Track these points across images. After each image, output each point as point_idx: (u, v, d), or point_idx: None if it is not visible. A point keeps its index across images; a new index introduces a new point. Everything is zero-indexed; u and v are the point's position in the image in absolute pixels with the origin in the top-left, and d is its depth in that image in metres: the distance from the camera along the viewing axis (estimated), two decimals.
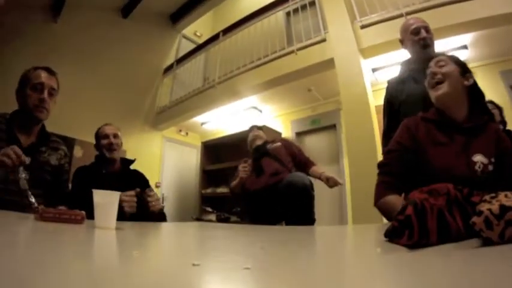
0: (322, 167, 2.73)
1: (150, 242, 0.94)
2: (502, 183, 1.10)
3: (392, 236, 0.61)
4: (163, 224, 1.70)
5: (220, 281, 0.43)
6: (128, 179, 2.11)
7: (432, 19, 3.94)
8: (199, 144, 6.29)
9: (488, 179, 1.14)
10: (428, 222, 0.55)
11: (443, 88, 1.28)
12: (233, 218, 4.75)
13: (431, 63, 1.37)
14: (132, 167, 2.29)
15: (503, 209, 0.45)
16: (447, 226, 0.56)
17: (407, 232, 0.55)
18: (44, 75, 1.67)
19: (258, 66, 4.79)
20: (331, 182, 2.42)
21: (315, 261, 0.58)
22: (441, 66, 1.32)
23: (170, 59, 6.69)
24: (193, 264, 0.47)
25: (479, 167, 1.16)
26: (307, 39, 4.44)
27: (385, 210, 1.17)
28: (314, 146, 5.08)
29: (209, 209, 5.52)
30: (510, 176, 1.16)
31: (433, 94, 1.32)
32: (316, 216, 2.37)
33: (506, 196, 0.52)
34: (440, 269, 0.43)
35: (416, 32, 1.91)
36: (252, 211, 2.68)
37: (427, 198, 0.61)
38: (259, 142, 2.91)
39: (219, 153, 5.85)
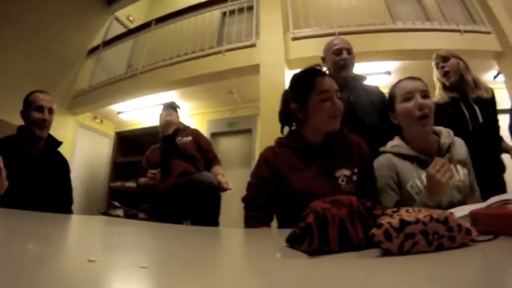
0: (220, 169, 2.66)
1: (48, 234, 0.86)
2: (364, 191, 1.18)
3: (293, 242, 0.61)
4: (67, 216, 1.66)
5: (113, 279, 0.41)
6: (51, 163, 1.89)
7: (362, 43, 4.02)
8: (112, 134, 5.79)
9: (355, 188, 1.18)
10: (329, 231, 0.56)
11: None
12: (141, 215, 4.52)
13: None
14: None
15: (403, 223, 0.46)
16: (348, 236, 0.57)
17: (308, 239, 0.56)
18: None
19: (184, 61, 4.52)
20: (221, 186, 2.41)
21: (213, 262, 0.57)
22: None
23: (97, 41, 6.13)
24: (89, 261, 0.44)
25: (342, 181, 1.19)
26: (237, 41, 4.30)
27: None
28: (228, 148, 4.98)
29: (117, 204, 5.15)
30: (369, 183, 1.24)
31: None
32: (226, 220, 2.39)
33: (407, 211, 0.54)
34: (337, 274, 0.43)
35: (338, 52, 1.92)
36: (159, 209, 2.58)
37: (330, 208, 0.61)
38: (170, 130, 2.71)
39: (132, 146, 5.40)
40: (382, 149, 1.35)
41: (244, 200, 1.30)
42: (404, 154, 1.28)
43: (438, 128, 1.35)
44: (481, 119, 1.80)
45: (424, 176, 1.18)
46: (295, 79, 1.33)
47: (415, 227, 0.47)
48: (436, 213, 0.49)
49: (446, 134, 1.33)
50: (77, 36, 5.87)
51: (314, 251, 0.55)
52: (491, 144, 1.82)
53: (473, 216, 0.61)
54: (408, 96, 1.27)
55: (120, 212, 4.92)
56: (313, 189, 1.13)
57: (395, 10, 4.69)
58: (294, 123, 1.37)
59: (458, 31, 4.44)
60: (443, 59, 1.97)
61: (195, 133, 2.84)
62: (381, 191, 1.26)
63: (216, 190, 2.32)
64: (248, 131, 4.98)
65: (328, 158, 1.23)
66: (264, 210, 1.24)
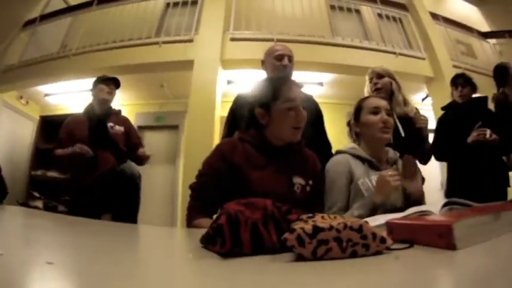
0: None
1: None
2: (316, 203, 1.24)
3: (206, 242, 0.60)
4: None
5: (13, 274, 0.39)
6: None
7: (300, 52, 4.03)
8: (37, 118, 5.40)
9: (306, 199, 1.21)
10: (241, 234, 0.55)
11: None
12: (61, 208, 4.25)
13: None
14: None
15: (316, 229, 0.47)
16: (261, 239, 0.56)
17: (220, 240, 0.54)
18: None
19: (120, 47, 4.31)
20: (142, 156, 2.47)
21: (121, 261, 0.55)
22: None
23: (35, 13, 5.72)
24: None
25: (297, 188, 1.22)
26: (175, 35, 4.17)
27: None
28: (154, 143, 4.80)
29: (37, 194, 4.80)
30: (320, 197, 1.31)
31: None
32: (147, 215, 2.41)
33: (323, 217, 0.54)
34: (244, 278, 0.43)
35: (280, 58, 1.91)
36: (79, 202, 2.40)
37: (243, 210, 0.60)
38: (99, 110, 2.49)
39: (57, 132, 5.07)
40: (340, 149, 1.47)
41: (192, 187, 1.25)
42: (358, 155, 1.40)
43: (386, 148, 1.49)
44: (402, 134, 1.87)
45: (373, 176, 1.33)
46: (263, 84, 1.32)
47: (328, 233, 0.47)
48: (351, 221, 0.50)
49: (392, 152, 1.49)
50: (15, 5, 5.44)
51: (226, 253, 0.54)
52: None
53: (389, 225, 0.62)
54: (375, 111, 1.40)
55: (39, 204, 4.64)
56: (272, 189, 1.11)
57: (336, 25, 4.79)
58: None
59: (394, 53, 4.61)
60: (378, 75, 2.01)
61: (128, 124, 2.63)
62: (332, 184, 1.35)
63: (137, 180, 2.28)
64: (175, 127, 4.87)
65: (287, 163, 1.24)
66: (209, 202, 1.19)
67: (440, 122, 2.52)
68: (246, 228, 0.56)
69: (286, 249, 0.49)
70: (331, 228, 0.47)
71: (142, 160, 2.50)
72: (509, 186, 2.36)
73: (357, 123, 1.48)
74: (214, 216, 1.01)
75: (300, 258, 0.47)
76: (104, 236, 0.93)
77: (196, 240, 0.64)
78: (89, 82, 4.41)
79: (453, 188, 2.35)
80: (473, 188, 2.07)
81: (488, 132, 2.13)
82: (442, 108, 2.56)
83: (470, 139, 2.18)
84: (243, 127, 1.39)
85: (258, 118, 1.25)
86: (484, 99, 2.45)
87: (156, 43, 4.13)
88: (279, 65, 1.90)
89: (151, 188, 2.37)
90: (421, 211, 0.78)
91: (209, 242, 0.58)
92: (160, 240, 0.98)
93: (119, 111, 2.66)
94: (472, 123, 2.21)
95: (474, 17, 6.91)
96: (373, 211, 1.19)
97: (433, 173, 4.51)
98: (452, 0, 6.78)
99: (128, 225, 1.46)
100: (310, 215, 0.57)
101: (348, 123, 1.58)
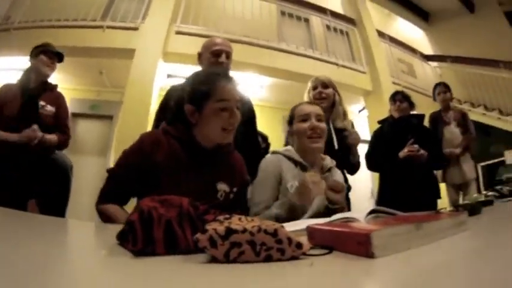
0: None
1: None
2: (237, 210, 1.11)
3: (121, 239, 0.57)
4: None
5: None
6: None
7: (244, 53, 4.15)
8: None
9: (228, 206, 1.12)
10: (154, 232, 0.53)
11: None
12: None
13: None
14: None
15: (229, 231, 0.46)
16: (175, 238, 0.54)
17: (132, 238, 0.53)
18: None
19: (63, 27, 4.18)
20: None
21: (29, 254, 0.51)
22: None
23: None
24: None
25: (221, 196, 1.16)
26: (121, 21, 4.11)
27: (102, 217, 1.12)
28: (86, 132, 4.67)
29: None
30: (243, 204, 1.27)
31: None
32: (74, 207, 2.32)
33: (239, 219, 0.53)
34: (153, 280, 0.40)
35: (217, 54, 1.80)
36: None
37: (157, 207, 0.58)
38: (34, 83, 2.30)
39: None
40: (274, 150, 1.46)
41: (109, 172, 1.18)
42: (291, 157, 1.39)
43: (324, 156, 1.48)
44: (336, 146, 1.91)
45: None
46: (196, 78, 1.20)
47: (241, 235, 0.46)
48: (266, 224, 0.49)
49: (329, 159, 1.47)
50: None
51: (138, 252, 0.52)
52: (342, 167, 1.92)
53: (310, 230, 0.62)
54: (305, 118, 1.40)
55: None
56: (193, 194, 0.94)
57: (283, 31, 4.95)
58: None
59: (336, 64, 4.83)
60: (324, 85, 2.01)
61: (59, 102, 2.43)
62: (261, 182, 1.34)
63: (68, 171, 2.20)
64: (110, 118, 4.70)
65: (214, 167, 1.17)
66: (120, 192, 1.14)
67: (375, 135, 2.64)
68: (160, 227, 0.54)
69: (201, 250, 0.47)
70: (244, 230, 0.46)
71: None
72: (439, 198, 2.51)
73: (291, 131, 1.49)
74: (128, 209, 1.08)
75: (213, 260, 0.46)
76: (19, 228, 0.86)
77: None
78: (26, 60, 4.30)
79: (384, 199, 2.46)
80: (403, 199, 2.12)
81: (417, 148, 2.27)
82: (379, 122, 2.69)
83: (401, 154, 2.32)
84: (168, 119, 1.30)
85: (187, 115, 1.14)
86: (421, 116, 2.60)
87: (101, 27, 4.05)
88: (214, 61, 1.81)
89: (80, 178, 2.31)
90: (346, 218, 0.78)
91: (123, 239, 0.56)
92: (79, 236, 0.93)
93: (55, 87, 2.48)
94: (405, 139, 2.34)
95: (420, 39, 7.36)
96: (292, 212, 1.19)
97: (364, 181, 4.78)
98: (401, 21, 7.17)
99: (49, 218, 1.36)
100: (227, 216, 0.55)
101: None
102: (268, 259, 0.46)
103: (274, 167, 1.35)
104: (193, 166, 1.13)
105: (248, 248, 0.46)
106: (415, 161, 2.29)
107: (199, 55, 1.90)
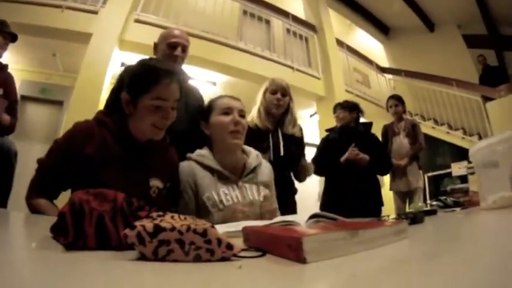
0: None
1: None
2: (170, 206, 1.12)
3: (54, 232, 0.54)
4: None
5: None
6: None
7: (201, 48, 4.25)
8: None
9: (161, 202, 1.12)
10: (85, 226, 0.53)
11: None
12: None
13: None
14: None
15: (158, 228, 0.46)
16: (107, 233, 0.54)
17: (63, 231, 0.52)
18: None
19: (19, 2, 4.09)
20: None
21: None
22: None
23: None
24: None
25: (153, 192, 1.12)
26: (82, 2, 4.07)
27: (33, 211, 1.07)
28: (35, 117, 4.54)
29: None
30: (175, 200, 1.21)
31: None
32: (16, 195, 2.05)
33: (172, 217, 0.52)
34: (75, 276, 0.38)
35: (173, 46, 1.76)
36: None
37: (90, 200, 0.57)
38: None
39: None
40: (188, 155, 1.32)
41: (39, 163, 1.13)
42: (206, 165, 1.27)
43: (248, 148, 1.38)
44: (282, 153, 1.93)
45: (222, 189, 1.23)
46: (141, 68, 1.13)
47: (170, 234, 0.46)
48: (196, 223, 0.49)
49: (254, 156, 1.37)
50: None
51: (69, 245, 0.51)
52: (288, 173, 2.02)
53: (245, 231, 0.62)
54: (227, 111, 1.30)
55: None
56: (124, 191, 0.81)
57: (244, 31, 5.10)
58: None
59: (292, 68, 5.05)
60: (284, 91, 1.99)
61: (8, 82, 2.41)
62: (182, 191, 1.25)
63: (12, 158, 2.15)
64: (60, 103, 4.59)
65: (147, 163, 1.14)
66: (50, 184, 1.10)
67: (322, 140, 2.78)
68: (91, 221, 0.53)
69: (132, 247, 0.47)
70: (173, 229, 0.46)
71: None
72: (382, 205, 2.58)
73: (206, 125, 1.35)
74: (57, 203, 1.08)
75: (142, 257, 0.46)
76: None
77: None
78: None
79: (327, 203, 2.54)
80: (346, 204, 2.25)
81: (356, 151, 2.41)
82: (326, 130, 2.83)
83: (342, 158, 2.43)
84: (106, 104, 1.27)
85: (123, 104, 1.11)
86: (368, 124, 2.71)
87: (60, 7, 3.97)
88: (169, 54, 1.77)
89: (24, 164, 2.27)
90: (287, 221, 0.78)
91: (56, 232, 0.55)
92: (13, 227, 0.90)
93: (5, 66, 2.44)
94: (350, 145, 2.46)
95: (377, 51, 7.73)
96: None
97: (311, 183, 5.04)
98: (361, 33, 7.50)
99: None
100: (161, 213, 0.55)
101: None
102: (198, 259, 0.46)
103: (187, 175, 1.25)
104: (125, 160, 1.10)
105: (177, 247, 0.46)
106: (357, 165, 2.39)
107: (155, 45, 1.87)
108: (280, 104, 1.98)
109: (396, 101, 3.41)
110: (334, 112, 2.74)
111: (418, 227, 0.88)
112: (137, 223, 0.47)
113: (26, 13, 3.97)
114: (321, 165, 2.46)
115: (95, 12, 4.05)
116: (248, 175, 1.30)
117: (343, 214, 0.84)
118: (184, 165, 1.27)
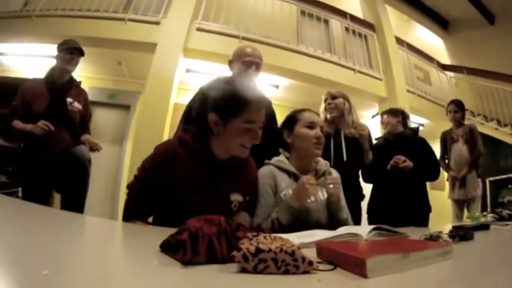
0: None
1: None
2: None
3: (167, 249, 0.67)
4: None
5: None
6: None
7: (262, 53, 4.15)
8: None
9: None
10: (200, 246, 0.64)
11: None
12: (3, 178, 3.91)
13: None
14: None
15: (258, 250, 0.58)
16: (214, 251, 0.65)
17: (182, 251, 0.62)
18: None
19: (84, 17, 4.21)
20: (92, 144, 2.40)
21: (81, 261, 0.57)
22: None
23: None
24: None
25: (235, 206, 1.22)
26: (143, 14, 4.13)
27: None
28: (103, 120, 4.69)
29: None
30: (253, 208, 1.33)
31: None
32: (95, 196, 2.37)
33: (265, 237, 0.67)
34: (204, 283, 0.54)
35: (249, 64, 1.90)
36: (26, 176, 2.35)
37: (202, 226, 0.69)
38: (60, 79, 2.41)
39: (4, 95, 4.88)
40: (266, 161, 1.48)
41: (129, 188, 1.26)
42: (284, 168, 1.43)
43: (317, 159, 1.51)
44: (345, 157, 2.00)
45: None
46: (228, 89, 1.16)
47: (267, 254, 0.58)
48: (286, 246, 0.60)
49: (323, 163, 1.51)
50: None
51: (186, 261, 0.61)
52: (353, 177, 2.09)
53: (318, 246, 0.73)
54: (311, 125, 1.44)
55: None
56: (208, 207, 0.93)
57: (303, 33, 4.93)
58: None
59: (353, 70, 4.82)
60: (332, 96, 2.13)
61: (86, 100, 2.58)
62: (259, 195, 1.37)
63: (87, 165, 2.24)
64: (127, 108, 4.78)
65: (228, 179, 1.21)
66: (142, 206, 1.21)
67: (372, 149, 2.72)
68: (203, 242, 0.66)
69: (233, 261, 0.59)
70: (269, 250, 0.58)
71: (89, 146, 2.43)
72: (430, 211, 2.54)
73: (289, 134, 1.49)
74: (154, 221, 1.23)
75: (243, 270, 0.57)
76: (39, 225, 0.87)
77: (153, 243, 0.72)
78: (46, 48, 4.32)
79: (374, 209, 2.54)
80: (392, 209, 2.27)
81: (402, 159, 2.34)
82: (376, 139, 2.72)
83: (388, 166, 2.40)
84: (186, 122, 1.36)
85: (210, 123, 1.15)
86: (415, 129, 2.64)
87: (122, 19, 4.06)
88: (245, 70, 1.89)
89: (95, 166, 2.36)
90: (351, 233, 0.90)
91: (170, 250, 0.66)
92: (116, 238, 0.98)
93: (79, 83, 2.60)
94: (398, 152, 2.40)
95: (438, 47, 7.29)
96: (291, 214, 1.26)
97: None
98: (420, 28, 7.10)
99: (77, 216, 1.37)
100: (255, 233, 0.69)
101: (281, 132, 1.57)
102: (286, 272, 0.58)
103: (268, 178, 1.40)
104: (208, 178, 1.17)
105: (272, 264, 0.58)
106: (403, 171, 2.34)
107: (230, 62, 1.99)
108: (331, 107, 2.11)
109: (456, 106, 3.36)
110: (381, 120, 2.73)
111: (467, 245, 0.92)
112: (242, 246, 0.60)
113: (91, 27, 4.11)
114: (368, 173, 2.46)
115: (157, 23, 4.09)
116: (318, 179, 1.43)
117: (390, 220, 1.02)
118: (265, 170, 1.43)
